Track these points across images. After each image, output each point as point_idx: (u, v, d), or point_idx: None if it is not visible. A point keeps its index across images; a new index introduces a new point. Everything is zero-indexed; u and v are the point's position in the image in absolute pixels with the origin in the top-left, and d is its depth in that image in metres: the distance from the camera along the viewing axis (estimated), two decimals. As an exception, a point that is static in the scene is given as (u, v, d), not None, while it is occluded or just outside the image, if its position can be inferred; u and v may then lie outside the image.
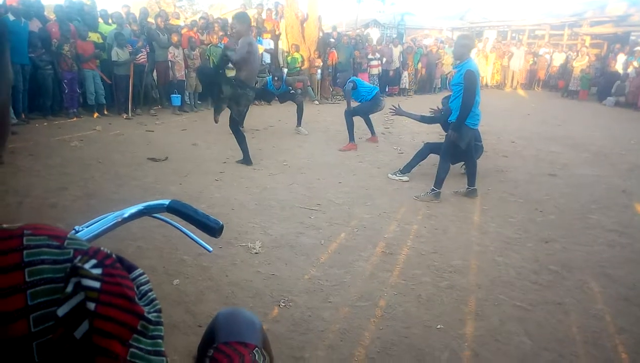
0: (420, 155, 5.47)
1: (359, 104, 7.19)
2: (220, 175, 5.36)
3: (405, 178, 5.41)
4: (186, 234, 1.17)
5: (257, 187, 4.98)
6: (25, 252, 0.47)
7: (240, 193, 4.75)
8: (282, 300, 2.81)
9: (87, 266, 0.48)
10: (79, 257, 0.49)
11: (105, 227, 1.03)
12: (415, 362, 2.34)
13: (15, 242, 0.48)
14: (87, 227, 1.02)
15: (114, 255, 0.53)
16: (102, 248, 0.53)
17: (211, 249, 1.19)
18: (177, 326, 2.51)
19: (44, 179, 4.86)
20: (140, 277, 0.55)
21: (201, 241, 1.17)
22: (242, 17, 5.60)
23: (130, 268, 0.54)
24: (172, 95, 9.35)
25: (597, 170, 6.25)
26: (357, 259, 3.43)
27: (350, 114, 6.96)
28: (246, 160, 5.91)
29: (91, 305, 0.46)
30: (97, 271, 0.48)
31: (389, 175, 5.24)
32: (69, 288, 0.47)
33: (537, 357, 2.41)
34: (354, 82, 7.08)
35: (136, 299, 0.50)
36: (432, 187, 4.81)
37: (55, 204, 4.23)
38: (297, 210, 4.38)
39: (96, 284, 0.47)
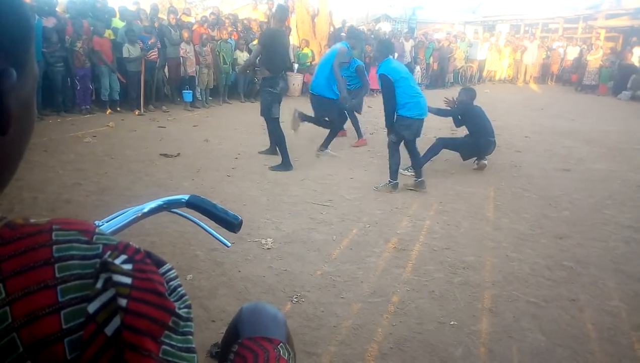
0: (433, 151, 5.44)
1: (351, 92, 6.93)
2: (232, 171, 5.38)
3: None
4: (205, 229, 1.18)
5: (269, 183, 4.99)
6: (54, 247, 0.47)
7: (252, 189, 4.76)
8: (295, 296, 2.82)
9: (117, 261, 0.47)
10: (108, 253, 0.48)
11: (125, 221, 1.04)
12: (428, 359, 2.33)
13: (45, 237, 0.47)
14: (107, 221, 1.02)
15: (142, 250, 0.51)
16: (131, 243, 0.52)
17: (229, 244, 1.20)
18: (191, 321, 2.52)
19: (58, 175, 4.92)
20: (170, 272, 0.53)
21: (219, 236, 1.17)
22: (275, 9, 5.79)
23: (159, 263, 0.53)
24: (183, 91, 9.39)
25: (612, 165, 6.17)
26: (369, 255, 3.42)
27: (350, 111, 6.84)
28: (285, 165, 5.46)
29: (122, 302, 0.45)
30: (128, 266, 0.47)
31: (400, 171, 5.21)
32: (99, 284, 0.46)
33: (552, 354, 2.39)
34: (361, 66, 6.87)
35: (167, 295, 0.49)
36: (389, 179, 4.93)
37: (69, 200, 4.28)
38: (308, 205, 4.38)
39: (127, 280, 0.46)
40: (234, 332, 1.03)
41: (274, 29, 5.75)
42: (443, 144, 5.47)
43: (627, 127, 9.06)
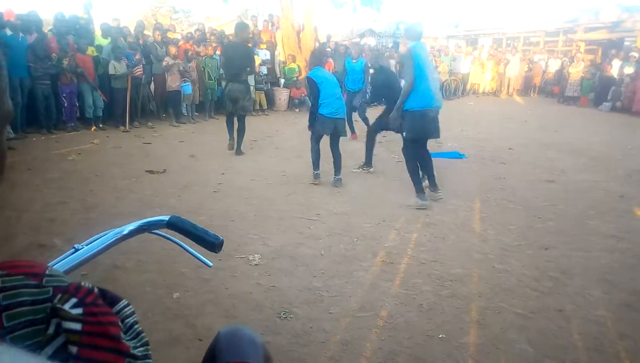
0: (369, 142, 6.13)
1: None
2: (219, 186, 5.36)
3: (371, 169, 6.14)
4: (186, 250, 1.17)
5: (256, 198, 4.98)
6: (1, 295, 0.45)
7: (239, 205, 4.75)
8: (283, 312, 2.80)
9: (67, 306, 0.46)
10: (58, 296, 0.47)
11: (105, 244, 1.03)
12: (417, 372, 2.33)
13: None
14: (87, 244, 1.02)
15: (96, 290, 0.50)
16: (83, 283, 0.50)
17: (211, 264, 1.19)
18: (178, 339, 2.50)
19: (43, 193, 4.86)
20: (126, 309, 0.52)
21: (201, 256, 1.17)
22: (235, 25, 7.30)
23: (114, 301, 0.52)
24: (182, 85, 9.35)
25: (595, 176, 6.27)
26: (358, 269, 3.42)
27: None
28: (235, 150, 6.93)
29: (73, 349, 0.44)
30: (78, 311, 0.46)
31: (352, 170, 5.79)
32: (51, 330, 0.45)
33: (540, 365, 2.40)
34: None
35: (121, 335, 0.48)
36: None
37: (54, 219, 4.22)
38: (296, 220, 4.38)
39: (77, 326, 0.45)
40: (211, 357, 1.02)
41: (231, 41, 7.48)
42: (373, 129, 6.06)
43: (608, 138, 9.23)
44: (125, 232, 1.07)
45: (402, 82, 5.25)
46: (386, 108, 6.12)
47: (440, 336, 2.62)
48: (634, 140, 8.93)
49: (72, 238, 3.78)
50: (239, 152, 6.97)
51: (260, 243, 3.82)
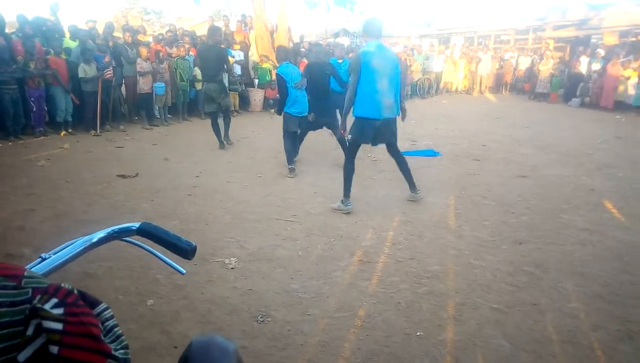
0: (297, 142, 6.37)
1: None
2: (193, 189, 5.28)
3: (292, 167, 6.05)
4: (158, 257, 1.14)
5: (232, 200, 4.92)
6: None
7: (215, 208, 4.69)
8: (260, 316, 2.77)
9: (47, 306, 0.45)
10: (38, 297, 0.46)
11: (73, 253, 0.99)
12: (396, 372, 2.32)
13: None
14: (54, 253, 0.98)
15: (75, 291, 0.49)
16: (62, 284, 0.49)
17: (184, 271, 1.16)
18: (153, 348, 2.44)
19: (10, 201, 4.72)
20: (105, 312, 0.51)
21: (173, 263, 1.13)
22: (208, 29, 7.68)
23: (94, 303, 0.51)
24: (155, 85, 9.22)
25: (566, 170, 6.39)
26: (335, 269, 3.41)
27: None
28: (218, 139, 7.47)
29: (54, 349, 0.43)
30: (59, 311, 0.45)
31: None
32: (30, 331, 0.44)
33: (516, 359, 2.42)
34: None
35: (102, 337, 0.47)
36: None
37: (22, 227, 4.10)
38: (273, 222, 4.34)
39: (58, 326, 0.44)
40: None
41: (204, 43, 7.85)
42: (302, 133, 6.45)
43: (578, 133, 9.43)
44: (94, 240, 1.04)
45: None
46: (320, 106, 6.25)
47: (418, 334, 2.62)
48: (602, 135, 9.15)
49: (41, 247, 3.67)
50: (228, 140, 7.68)
51: (237, 247, 3.77)
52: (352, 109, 4.56)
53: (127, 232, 1.07)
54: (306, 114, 6.00)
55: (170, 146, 7.64)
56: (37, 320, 0.44)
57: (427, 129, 9.48)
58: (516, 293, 3.09)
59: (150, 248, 1.13)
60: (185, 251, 1.03)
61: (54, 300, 0.46)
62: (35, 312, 0.45)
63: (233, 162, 6.64)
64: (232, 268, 3.38)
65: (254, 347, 2.46)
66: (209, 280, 3.19)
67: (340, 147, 6.05)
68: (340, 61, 7.80)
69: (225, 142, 7.56)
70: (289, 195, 5.15)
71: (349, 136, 4.72)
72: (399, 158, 4.86)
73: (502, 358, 2.43)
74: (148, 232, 1.05)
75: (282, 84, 5.86)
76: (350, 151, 4.76)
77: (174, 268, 1.14)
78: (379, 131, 4.56)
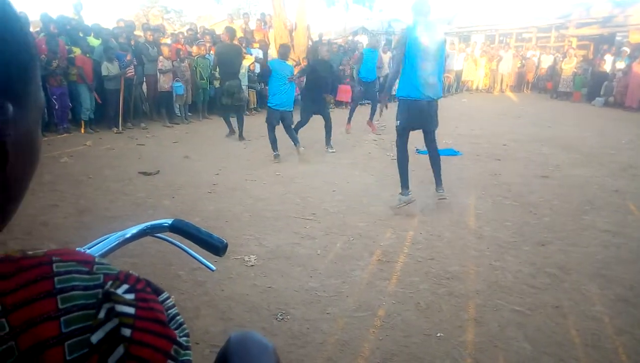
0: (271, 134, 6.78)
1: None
2: (213, 187, 5.33)
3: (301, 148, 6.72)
4: (189, 253, 1.16)
5: (251, 198, 4.95)
6: (56, 279, 0.47)
7: (234, 205, 4.72)
8: (280, 313, 2.78)
9: (119, 291, 0.48)
10: (110, 282, 0.48)
11: (107, 247, 1.02)
12: (416, 372, 2.31)
13: (45, 269, 0.47)
14: (88, 248, 1.00)
15: (143, 279, 0.52)
16: (131, 271, 0.52)
17: (214, 268, 1.18)
18: (174, 343, 2.47)
19: (35, 197, 4.81)
20: (168, 301, 0.54)
21: (204, 260, 1.15)
22: (224, 30, 8.34)
23: (157, 291, 0.53)
24: (174, 85, 9.31)
25: (589, 171, 6.28)
26: (354, 268, 3.40)
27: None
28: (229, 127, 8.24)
29: (127, 332, 0.45)
30: (130, 296, 0.48)
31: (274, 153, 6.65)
32: (102, 315, 0.46)
33: (538, 362, 2.39)
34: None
35: (168, 323, 0.50)
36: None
37: (46, 222, 4.18)
38: (291, 220, 4.36)
39: (131, 310, 0.47)
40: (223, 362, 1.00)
41: (222, 43, 8.13)
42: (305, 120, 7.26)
43: (601, 133, 9.25)
44: (128, 235, 1.06)
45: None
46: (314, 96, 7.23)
47: (438, 335, 2.60)
48: (627, 135, 8.96)
49: (65, 242, 3.75)
50: (241, 137, 8.08)
51: (256, 244, 3.79)
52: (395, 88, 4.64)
53: (160, 228, 1.09)
54: (288, 109, 6.58)
55: (190, 144, 7.71)
56: (110, 305, 0.46)
57: (447, 128, 9.36)
58: (538, 295, 3.05)
59: (182, 245, 1.15)
60: (216, 248, 1.04)
61: (125, 286, 0.48)
62: (108, 296, 0.47)
63: (252, 160, 6.68)
64: (252, 265, 3.40)
65: (274, 345, 2.47)
66: (229, 277, 3.22)
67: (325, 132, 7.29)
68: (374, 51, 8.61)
69: (235, 132, 8.19)
70: (307, 193, 5.16)
71: (397, 122, 4.63)
72: (433, 149, 4.68)
73: (524, 361, 2.40)
74: (180, 228, 1.07)
75: (266, 71, 6.63)
76: (400, 139, 4.66)
77: (204, 264, 1.16)
78: (422, 113, 4.46)
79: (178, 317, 0.53)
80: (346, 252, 3.70)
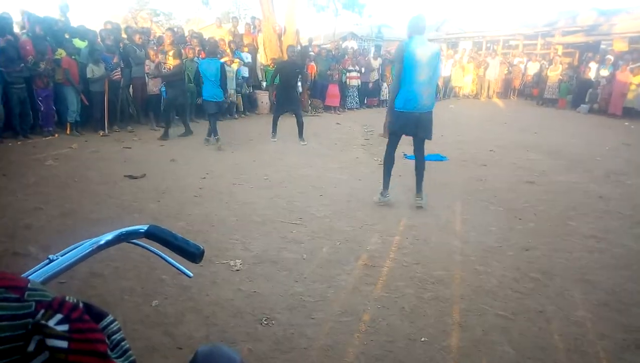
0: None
1: None
2: (200, 191, 5.30)
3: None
4: (165, 260, 1.14)
5: (237, 202, 4.93)
6: None
7: (220, 209, 4.70)
8: (264, 318, 2.76)
9: (51, 322, 0.44)
10: (42, 312, 0.45)
11: (81, 254, 0.99)
12: (400, 377, 2.31)
13: None
14: (62, 255, 0.98)
15: (81, 305, 0.48)
16: (67, 298, 0.48)
17: (191, 275, 1.15)
18: (157, 349, 2.44)
19: (19, 199, 4.75)
20: (112, 325, 0.50)
21: (181, 266, 1.13)
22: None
23: (99, 316, 0.50)
24: (161, 88, 9.20)
25: (574, 177, 6.35)
26: (340, 273, 3.40)
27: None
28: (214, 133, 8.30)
29: None
30: (64, 327, 0.44)
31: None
32: (31, 347, 0.42)
33: (521, 367, 2.40)
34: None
35: (109, 353, 0.46)
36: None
37: (30, 225, 4.12)
38: (278, 224, 4.34)
39: (63, 344, 0.43)
40: None
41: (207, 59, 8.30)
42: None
43: (586, 139, 9.37)
44: (102, 242, 1.04)
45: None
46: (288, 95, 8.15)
47: (423, 339, 2.61)
48: (611, 142, 9.09)
49: (48, 246, 3.69)
50: (210, 139, 8.24)
51: (242, 249, 3.78)
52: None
53: (135, 234, 1.07)
54: (218, 99, 7.71)
55: (177, 147, 7.67)
56: (39, 337, 0.43)
57: (434, 133, 9.43)
58: (522, 300, 3.07)
59: (157, 251, 1.13)
60: (193, 255, 1.03)
61: (59, 316, 0.45)
62: (39, 329, 0.43)
63: (239, 164, 6.65)
64: (237, 270, 3.39)
65: (258, 350, 2.46)
66: (214, 281, 3.19)
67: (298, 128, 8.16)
68: None
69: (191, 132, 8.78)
70: (294, 198, 5.16)
71: (389, 125, 4.85)
72: (421, 156, 4.86)
73: (507, 366, 2.41)
74: (156, 235, 1.05)
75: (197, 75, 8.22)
76: (389, 143, 4.88)
77: (181, 271, 1.14)
78: (415, 123, 4.66)
79: (123, 343, 0.50)
80: (332, 256, 3.69)
